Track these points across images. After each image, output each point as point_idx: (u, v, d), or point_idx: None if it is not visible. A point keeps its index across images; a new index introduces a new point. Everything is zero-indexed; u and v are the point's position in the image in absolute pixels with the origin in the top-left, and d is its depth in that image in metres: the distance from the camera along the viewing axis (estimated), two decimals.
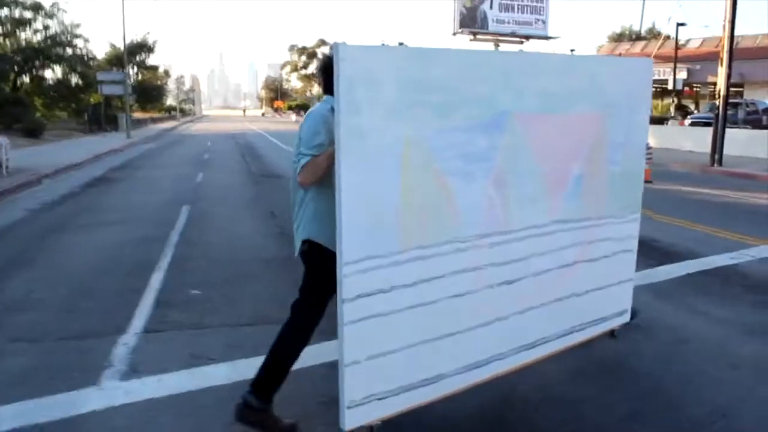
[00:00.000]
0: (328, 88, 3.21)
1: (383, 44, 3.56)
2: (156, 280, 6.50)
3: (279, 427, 3.48)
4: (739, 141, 21.64)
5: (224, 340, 4.85)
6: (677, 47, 36.99)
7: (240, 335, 4.96)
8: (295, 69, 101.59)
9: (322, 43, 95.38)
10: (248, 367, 4.08)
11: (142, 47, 64.65)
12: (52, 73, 44.12)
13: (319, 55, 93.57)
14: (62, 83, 44.26)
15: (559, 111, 3.85)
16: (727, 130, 19.73)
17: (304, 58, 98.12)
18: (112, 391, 4.01)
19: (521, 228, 3.75)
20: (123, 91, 38.62)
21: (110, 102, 44.09)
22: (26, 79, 42.51)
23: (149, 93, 70.27)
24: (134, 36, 64.11)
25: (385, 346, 3.21)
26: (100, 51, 56.61)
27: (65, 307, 5.68)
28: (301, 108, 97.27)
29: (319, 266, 3.39)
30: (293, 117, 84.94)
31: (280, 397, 3.54)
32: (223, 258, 7.47)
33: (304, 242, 3.42)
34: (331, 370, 4.01)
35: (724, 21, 18.43)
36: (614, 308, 4.55)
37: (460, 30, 30.59)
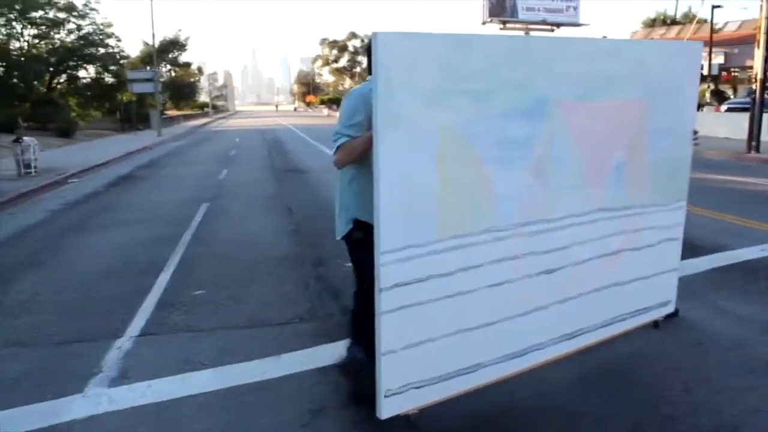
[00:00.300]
0: (371, 68, 3.17)
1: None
2: (163, 280, 6.36)
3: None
4: None
5: (219, 344, 4.66)
6: (713, 30, 35.80)
7: (236, 339, 4.77)
8: (327, 63, 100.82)
9: (353, 36, 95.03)
10: (238, 374, 4.05)
11: (174, 44, 64.54)
12: (86, 73, 44.62)
13: (350, 48, 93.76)
14: (95, 83, 44.63)
15: (601, 97, 3.73)
16: (766, 115, 18.83)
17: (335, 51, 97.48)
18: (97, 399, 3.86)
19: (562, 216, 3.66)
20: (153, 89, 38.86)
21: (143, 100, 44.24)
22: (61, 79, 42.86)
23: (182, 90, 70.36)
24: (166, 33, 65.02)
25: (422, 336, 3.17)
26: (134, 49, 56.91)
27: (68, 309, 5.56)
28: (334, 102, 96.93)
29: (368, 245, 3.18)
30: (325, 111, 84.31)
31: (269, 402, 3.54)
32: (235, 257, 7.29)
33: (352, 222, 3.39)
34: (322, 376, 4.01)
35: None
36: (658, 298, 4.41)
37: (489, 19, 30.23)
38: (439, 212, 3.07)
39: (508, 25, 30.51)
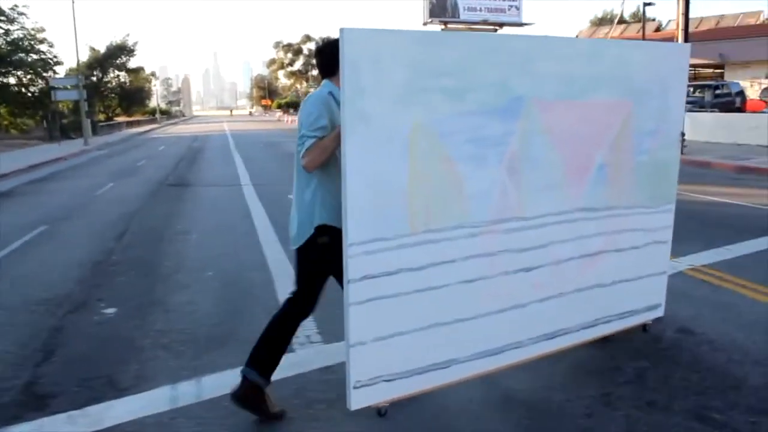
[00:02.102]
0: (325, 71, 3.33)
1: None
2: None
3: (271, 411, 3.45)
4: (706, 125, 20.54)
5: None
6: (643, 30, 34.71)
7: None
8: (282, 66, 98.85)
9: (308, 38, 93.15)
10: None
11: (122, 49, 62.32)
12: (16, 80, 41.72)
13: (305, 51, 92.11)
14: (25, 90, 41.87)
15: (582, 97, 3.76)
16: (696, 114, 18.31)
17: (290, 54, 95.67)
18: None
19: (539, 215, 3.69)
20: (79, 96, 35.84)
21: (78, 108, 40.23)
22: None
23: (132, 96, 68.29)
24: (113, 38, 62.20)
25: (393, 329, 3.22)
26: (81, 54, 55.09)
27: None
28: (290, 106, 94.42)
29: (334, 249, 3.25)
30: (277, 115, 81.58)
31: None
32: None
33: (318, 228, 3.34)
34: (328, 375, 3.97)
35: None
36: (645, 302, 4.40)
37: (430, 20, 30.42)
38: (408, 207, 3.13)
39: (449, 26, 30.60)
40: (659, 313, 4.48)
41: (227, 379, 3.82)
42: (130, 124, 63.55)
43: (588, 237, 3.92)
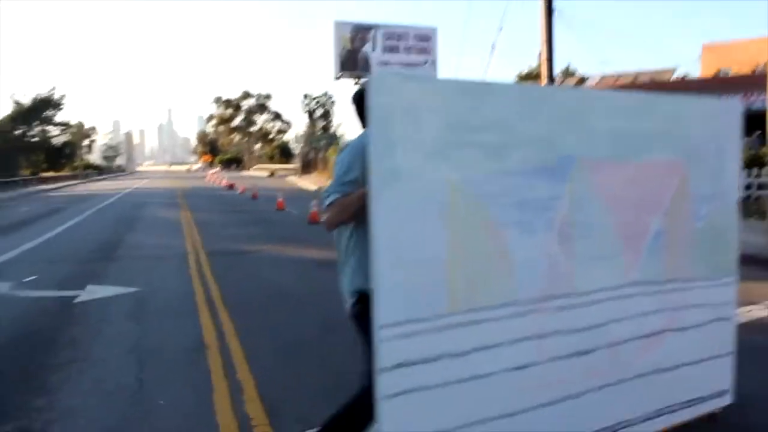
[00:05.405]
0: (364, 119, 2.91)
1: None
2: None
3: None
4: None
5: None
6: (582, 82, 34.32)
7: None
8: (222, 122, 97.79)
9: (247, 95, 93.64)
10: None
11: (47, 103, 60.31)
12: None
13: (244, 107, 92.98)
14: None
15: (634, 157, 3.38)
16: None
17: (230, 110, 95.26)
18: None
19: (592, 290, 3.23)
20: None
21: None
22: None
23: (59, 151, 66.03)
24: (38, 91, 59.69)
25: (430, 426, 2.72)
26: (5, 108, 53.36)
27: None
28: (232, 162, 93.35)
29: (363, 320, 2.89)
30: (209, 172, 75.64)
31: None
32: None
33: (356, 295, 2.98)
34: None
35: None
36: (711, 387, 3.85)
37: (341, 74, 29.70)
38: (447, 281, 2.70)
39: (361, 80, 30.14)
40: (728, 400, 3.92)
41: None
42: (43, 180, 54.88)
43: (647, 314, 3.44)
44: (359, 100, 3.00)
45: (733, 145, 3.88)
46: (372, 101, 2.49)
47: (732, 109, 3.92)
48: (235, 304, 7.60)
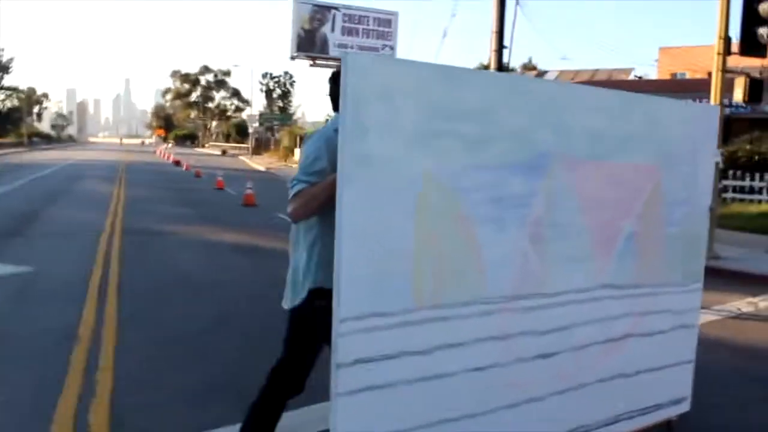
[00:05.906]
0: (336, 104, 2.68)
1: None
2: None
3: None
4: None
5: None
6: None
7: None
8: (178, 96, 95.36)
9: (206, 69, 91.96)
10: None
11: None
12: None
13: (203, 82, 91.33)
14: None
15: (611, 158, 3.29)
16: None
17: (186, 85, 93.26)
18: None
19: (562, 291, 3.13)
20: None
21: None
22: None
23: (5, 117, 63.67)
24: None
25: (390, 425, 2.59)
26: None
27: None
28: (187, 138, 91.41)
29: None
30: (155, 145, 74.92)
31: None
32: None
33: (312, 292, 2.80)
34: None
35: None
36: (670, 394, 3.81)
37: (296, 54, 29.27)
38: (413, 275, 2.56)
39: (318, 62, 29.59)
40: (685, 407, 3.89)
41: None
42: None
43: (613, 318, 3.37)
44: (335, 82, 2.78)
45: (708, 150, 3.83)
46: (346, 82, 2.34)
47: (710, 113, 3.88)
48: (129, 291, 7.13)
